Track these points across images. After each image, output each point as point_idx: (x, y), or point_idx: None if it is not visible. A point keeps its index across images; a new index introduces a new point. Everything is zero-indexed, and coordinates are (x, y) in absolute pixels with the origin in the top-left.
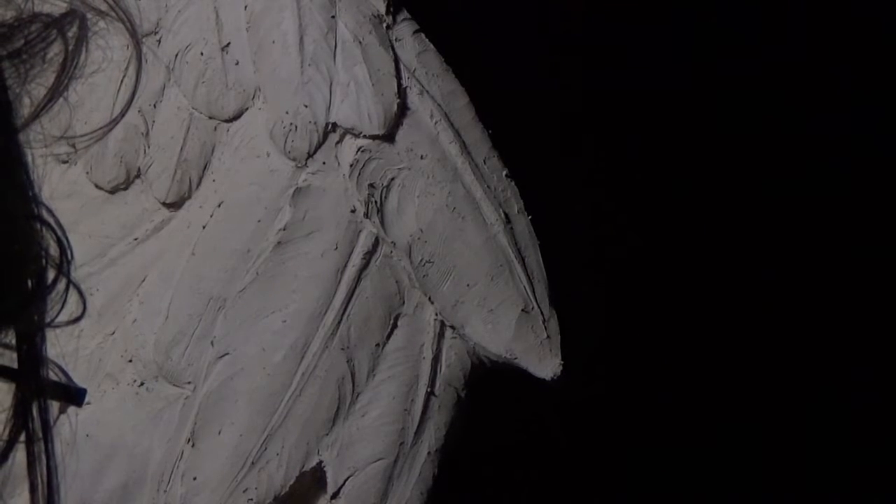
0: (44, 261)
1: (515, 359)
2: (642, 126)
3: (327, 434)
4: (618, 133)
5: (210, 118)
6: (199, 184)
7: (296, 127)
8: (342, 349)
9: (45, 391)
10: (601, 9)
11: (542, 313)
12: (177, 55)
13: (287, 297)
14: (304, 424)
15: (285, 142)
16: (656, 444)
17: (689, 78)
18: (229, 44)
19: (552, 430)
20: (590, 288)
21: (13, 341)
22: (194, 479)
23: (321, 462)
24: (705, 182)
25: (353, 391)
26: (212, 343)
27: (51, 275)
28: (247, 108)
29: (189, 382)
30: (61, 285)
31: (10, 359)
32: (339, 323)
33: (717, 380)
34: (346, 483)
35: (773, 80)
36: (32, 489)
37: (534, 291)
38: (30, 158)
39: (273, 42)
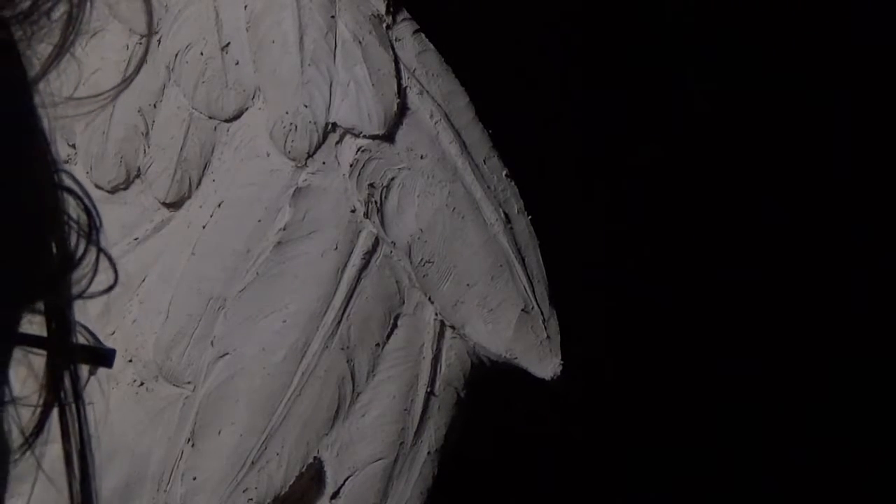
0: (72, 230)
1: (515, 359)
2: (642, 125)
3: (327, 434)
4: (618, 133)
5: (210, 118)
6: (199, 184)
7: (296, 127)
8: (342, 349)
9: (74, 356)
10: (601, 9)
11: (542, 313)
12: (177, 55)
13: (287, 297)
14: (304, 424)
15: (285, 142)
16: (656, 444)
17: (692, 79)
18: (229, 44)
19: (552, 430)
20: (590, 288)
21: (42, 309)
22: (194, 478)
23: (321, 462)
24: (706, 182)
25: (353, 391)
26: (212, 343)
27: (80, 245)
28: (247, 108)
29: (189, 382)
30: (91, 255)
31: (40, 324)
32: (339, 323)
33: (717, 379)
34: (346, 483)
35: (774, 81)
36: (67, 459)
37: (534, 291)
38: (46, 123)
39: (273, 42)
